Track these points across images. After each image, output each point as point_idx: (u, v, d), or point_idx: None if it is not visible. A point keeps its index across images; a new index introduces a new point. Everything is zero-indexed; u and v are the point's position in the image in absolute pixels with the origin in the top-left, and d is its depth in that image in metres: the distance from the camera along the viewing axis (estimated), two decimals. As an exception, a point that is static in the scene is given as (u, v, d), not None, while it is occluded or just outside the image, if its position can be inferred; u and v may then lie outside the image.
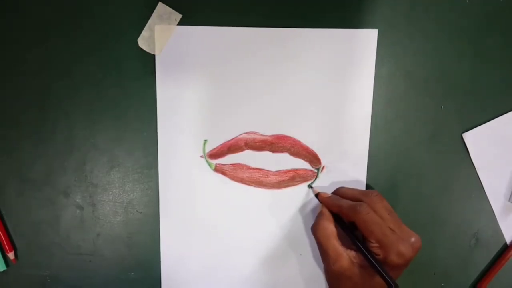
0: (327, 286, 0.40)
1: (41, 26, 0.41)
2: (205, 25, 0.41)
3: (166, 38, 0.41)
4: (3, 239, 0.43)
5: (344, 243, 0.36)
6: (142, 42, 0.41)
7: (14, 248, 0.43)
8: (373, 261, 0.33)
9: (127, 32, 0.41)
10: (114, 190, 0.43)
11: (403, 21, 0.42)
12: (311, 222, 0.43)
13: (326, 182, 0.43)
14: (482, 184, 0.44)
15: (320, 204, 0.40)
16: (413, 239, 0.34)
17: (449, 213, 0.45)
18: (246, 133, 0.42)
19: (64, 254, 0.44)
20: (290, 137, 0.42)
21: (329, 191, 0.43)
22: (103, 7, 0.41)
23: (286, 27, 0.41)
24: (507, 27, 0.42)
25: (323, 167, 0.43)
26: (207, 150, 0.42)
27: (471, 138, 0.43)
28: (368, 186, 0.43)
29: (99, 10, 0.41)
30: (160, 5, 0.40)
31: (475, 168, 0.44)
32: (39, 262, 0.44)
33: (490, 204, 0.44)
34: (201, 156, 0.42)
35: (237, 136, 0.42)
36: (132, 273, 0.44)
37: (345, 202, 0.37)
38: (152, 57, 0.41)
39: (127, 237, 0.44)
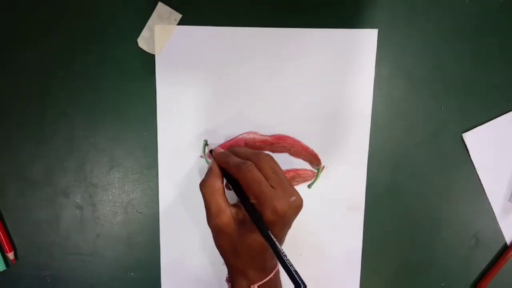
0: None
1: (41, 26, 0.41)
2: (205, 25, 0.41)
3: (166, 38, 0.41)
4: (3, 239, 0.43)
5: (230, 201, 0.36)
6: (142, 42, 0.41)
7: (14, 248, 0.43)
8: (252, 215, 0.33)
9: (127, 32, 0.41)
10: (114, 190, 0.43)
11: (403, 21, 0.42)
12: (311, 222, 0.43)
13: (326, 182, 0.43)
14: (482, 184, 0.44)
15: (212, 160, 0.40)
16: (293, 198, 0.34)
17: (449, 213, 0.45)
18: (246, 133, 0.42)
19: (64, 254, 0.44)
20: (290, 137, 0.42)
21: (329, 192, 0.43)
22: (103, 7, 0.41)
23: (286, 27, 0.41)
24: (507, 27, 0.42)
25: (323, 167, 0.43)
26: (207, 150, 0.42)
27: (471, 138, 0.43)
28: (368, 186, 0.43)
29: (99, 10, 0.41)
30: (160, 5, 0.40)
31: (475, 168, 0.44)
32: (39, 262, 0.44)
33: (490, 204, 0.44)
34: (201, 156, 0.42)
35: (237, 136, 0.42)
36: (132, 273, 0.44)
37: (233, 159, 0.36)
38: (152, 57, 0.41)
39: (127, 237, 0.44)
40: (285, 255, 0.31)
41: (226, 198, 0.36)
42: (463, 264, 0.45)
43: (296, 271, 0.30)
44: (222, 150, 0.40)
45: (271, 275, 0.36)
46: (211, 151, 0.41)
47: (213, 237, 0.37)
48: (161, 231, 0.43)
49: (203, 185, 0.36)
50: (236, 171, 0.35)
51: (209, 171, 0.37)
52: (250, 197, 0.34)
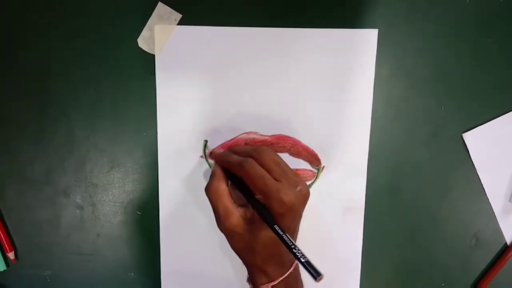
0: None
1: (41, 26, 0.41)
2: (205, 25, 0.41)
3: (166, 38, 0.41)
4: (3, 239, 0.43)
5: (237, 201, 0.36)
6: (142, 42, 0.41)
7: (14, 248, 0.44)
8: (259, 210, 0.33)
9: (127, 32, 0.41)
10: (114, 190, 0.43)
11: (403, 21, 0.42)
12: (311, 222, 0.43)
13: (326, 182, 0.43)
14: (482, 184, 0.44)
15: (214, 163, 0.40)
16: (298, 188, 0.34)
17: (449, 213, 0.45)
18: (246, 133, 0.42)
19: (64, 254, 0.44)
20: (290, 137, 0.42)
21: (329, 192, 0.43)
22: (103, 7, 0.41)
23: (286, 27, 0.41)
24: (507, 27, 0.42)
25: (323, 167, 0.43)
26: (207, 151, 0.42)
27: (471, 138, 0.43)
28: (368, 186, 0.43)
29: (99, 10, 0.41)
30: (160, 5, 0.40)
31: (475, 168, 0.44)
32: (39, 262, 0.44)
33: (490, 204, 0.44)
34: (201, 156, 0.42)
35: (237, 136, 0.42)
36: (132, 273, 0.44)
37: (234, 158, 0.36)
38: (152, 57, 0.41)
39: (127, 237, 0.44)
40: (296, 247, 0.30)
41: (233, 199, 0.36)
42: (463, 264, 0.45)
43: (309, 262, 0.29)
44: (222, 150, 0.40)
45: (291, 269, 0.36)
46: (211, 153, 0.41)
47: (227, 240, 0.36)
48: (161, 231, 0.43)
49: (208, 190, 0.36)
50: (239, 169, 0.35)
51: (212, 174, 0.37)
52: (256, 193, 0.34)
